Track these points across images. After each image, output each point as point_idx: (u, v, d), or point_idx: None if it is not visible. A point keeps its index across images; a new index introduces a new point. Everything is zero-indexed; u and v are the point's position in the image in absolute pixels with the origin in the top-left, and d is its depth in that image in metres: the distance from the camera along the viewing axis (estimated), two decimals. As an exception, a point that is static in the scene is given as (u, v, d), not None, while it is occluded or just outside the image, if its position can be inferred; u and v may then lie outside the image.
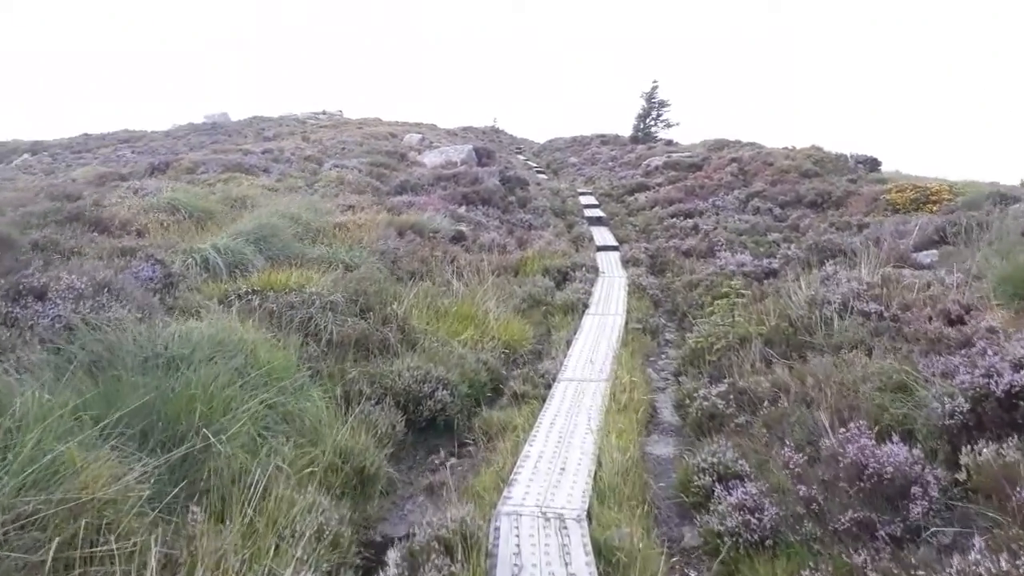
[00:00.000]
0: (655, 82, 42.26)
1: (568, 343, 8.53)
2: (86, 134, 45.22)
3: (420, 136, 30.38)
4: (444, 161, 22.82)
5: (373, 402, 5.85)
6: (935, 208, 14.05)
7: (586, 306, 10.31)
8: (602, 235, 16.96)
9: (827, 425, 4.83)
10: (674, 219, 17.04)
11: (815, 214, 16.21)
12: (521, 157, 41.09)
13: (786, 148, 24.14)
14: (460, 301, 9.12)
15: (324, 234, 10.77)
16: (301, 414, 5.21)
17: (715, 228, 15.22)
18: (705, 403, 5.94)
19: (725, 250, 13.01)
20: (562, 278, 12.28)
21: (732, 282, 9.85)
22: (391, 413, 5.78)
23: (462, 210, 15.95)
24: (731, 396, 6.01)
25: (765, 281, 10.75)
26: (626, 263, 13.66)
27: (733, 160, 21.83)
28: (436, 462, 5.88)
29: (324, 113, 54.92)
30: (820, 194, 17.02)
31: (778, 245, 13.44)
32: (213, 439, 4.02)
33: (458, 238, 12.35)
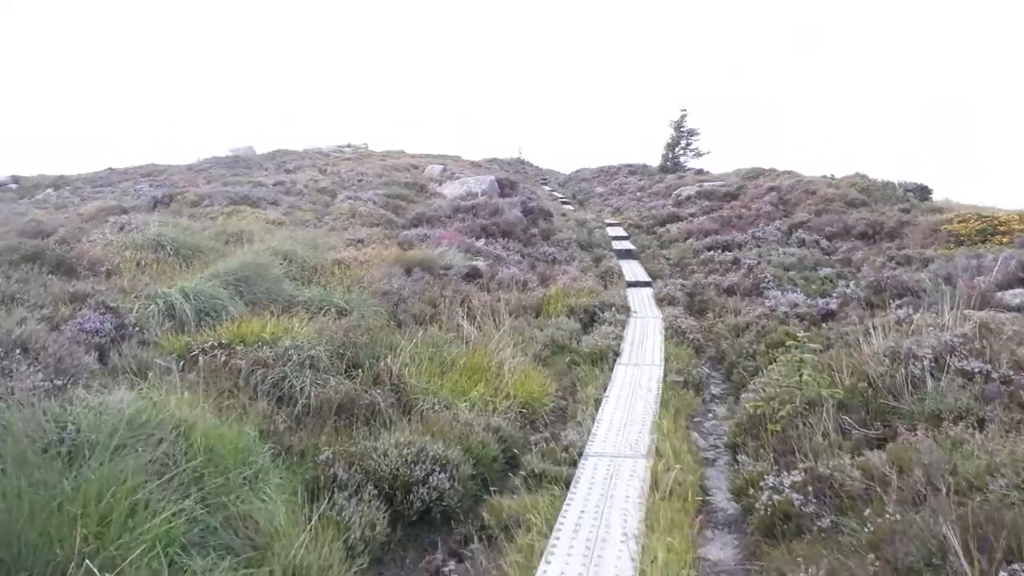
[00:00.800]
0: (684, 110, 41.16)
1: (597, 402, 7.21)
2: (111, 168, 45.26)
3: (442, 167, 29.48)
4: (464, 192, 21.78)
5: (348, 493, 4.59)
6: (1005, 240, 12.55)
7: (617, 354, 8.99)
8: (632, 269, 15.65)
9: (958, 549, 3.46)
10: (711, 252, 15.68)
11: (867, 246, 14.75)
12: (546, 188, 40.09)
13: (825, 176, 22.71)
14: (471, 350, 7.88)
15: (321, 273, 9.65)
16: (249, 516, 3.98)
17: (758, 262, 13.84)
18: (776, 497, 4.58)
19: (773, 288, 11.63)
20: (589, 319, 11.00)
21: (797, 332, 8.49)
22: (371, 508, 4.51)
23: (480, 243, 14.78)
24: (809, 487, 4.64)
25: (823, 325, 9.37)
26: (660, 301, 12.32)
27: (772, 189, 20.46)
28: (429, 568, 4.59)
29: (349, 146, 54.67)
30: (871, 225, 15.57)
31: (832, 282, 12.01)
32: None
33: (473, 275, 11.15)
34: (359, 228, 14.47)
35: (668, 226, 20.52)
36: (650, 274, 15.00)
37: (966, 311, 8.20)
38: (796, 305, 10.18)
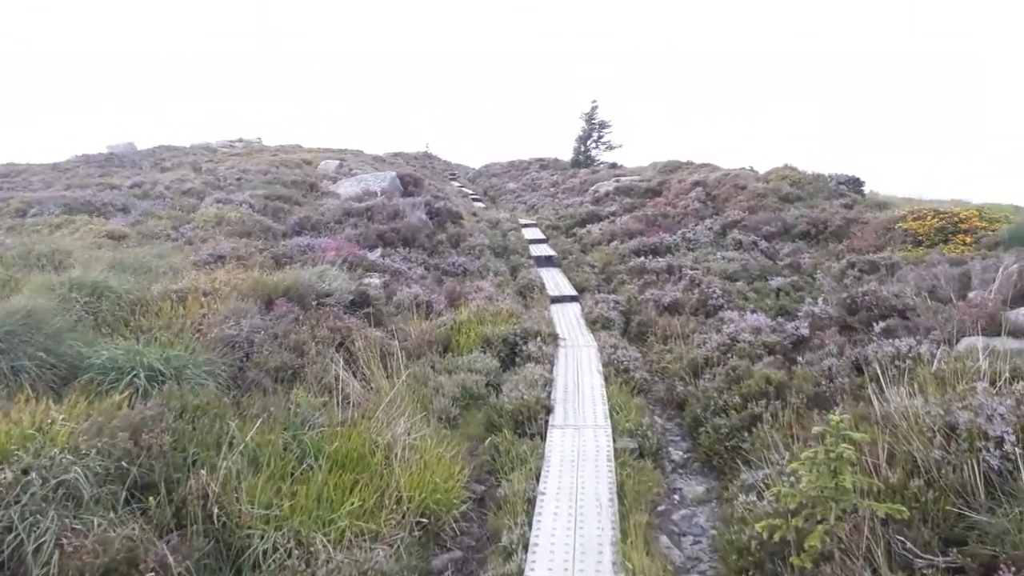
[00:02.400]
0: (594, 102, 39.64)
1: (529, 503, 5.04)
2: (-44, 168, 39.78)
3: (338, 163, 26.66)
4: (361, 191, 19.18)
5: None
6: (968, 240, 11.24)
7: (549, 410, 6.85)
8: (555, 281, 13.60)
9: None
10: (640, 258, 13.82)
11: (812, 248, 13.28)
12: (456, 184, 37.77)
13: (746, 169, 21.43)
14: (346, 429, 5.55)
15: (144, 312, 7.04)
16: None
17: (696, 270, 12.07)
18: None
19: (724, 305, 9.81)
20: (510, 353, 8.86)
21: (773, 373, 6.59)
22: None
23: (376, 255, 12.36)
24: None
25: (798, 357, 7.55)
26: (592, 324, 10.29)
27: (697, 184, 18.91)
28: None
29: (240, 141, 50.68)
30: (812, 223, 14.13)
31: (788, 295, 10.32)
32: None
33: (361, 303, 8.74)
34: (222, 240, 11.76)
35: (588, 227, 18.62)
36: (575, 286, 12.99)
37: (982, 341, 6.58)
38: (759, 330, 8.34)
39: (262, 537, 4.05)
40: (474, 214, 22.88)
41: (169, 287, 7.63)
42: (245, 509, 4.12)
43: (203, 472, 4.20)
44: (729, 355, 7.74)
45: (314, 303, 8.04)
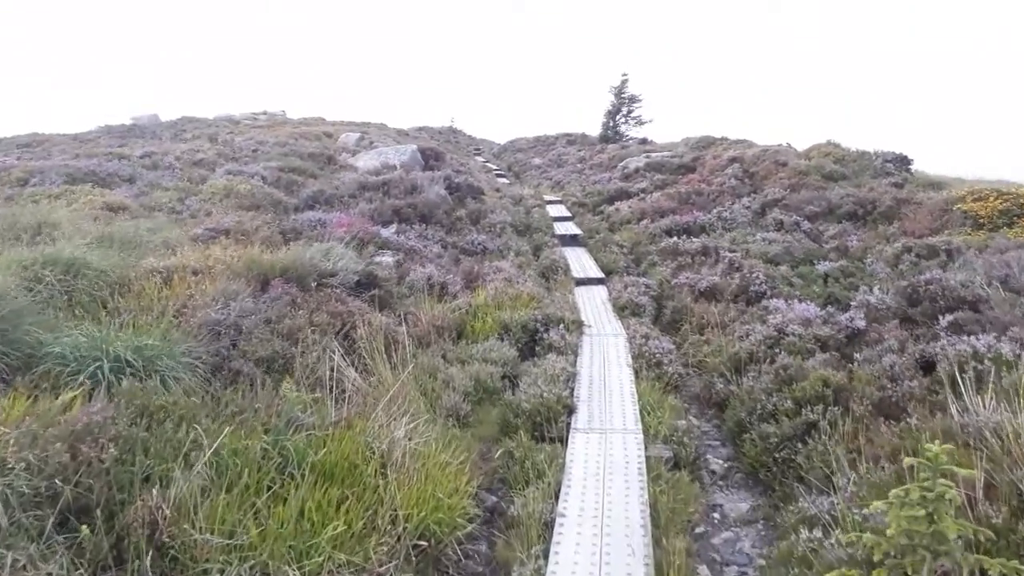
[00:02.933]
0: (624, 75, 38.47)
1: (546, 528, 4.30)
2: (-15, 137, 39.84)
3: (359, 135, 25.92)
4: (380, 164, 18.44)
5: None
6: (1038, 223, 10.19)
7: (571, 410, 6.08)
8: (581, 261, 12.77)
9: None
10: (673, 238, 12.92)
11: (860, 230, 12.26)
12: (480, 159, 36.92)
13: (783, 146, 20.23)
14: (340, 431, 4.83)
15: (126, 292, 6.38)
16: None
17: (734, 252, 11.15)
18: None
19: (768, 291, 8.93)
20: (530, 340, 8.09)
21: (832, 375, 5.73)
22: None
23: (390, 231, 11.61)
24: None
25: (855, 354, 6.67)
26: (621, 310, 9.46)
27: (734, 160, 17.85)
28: None
29: (265, 113, 50.31)
30: (860, 203, 13.08)
31: (838, 281, 9.39)
32: None
33: (368, 284, 8.00)
34: (228, 213, 11.09)
35: (617, 204, 17.69)
36: (602, 267, 12.14)
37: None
38: (809, 322, 7.46)
39: (221, 573, 3.35)
40: (497, 190, 22.04)
41: (155, 265, 6.96)
42: (202, 538, 3.42)
43: (155, 491, 3.50)
44: (777, 350, 6.87)
45: (315, 284, 7.31)
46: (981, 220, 10.68)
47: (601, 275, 11.57)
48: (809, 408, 5.46)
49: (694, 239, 12.52)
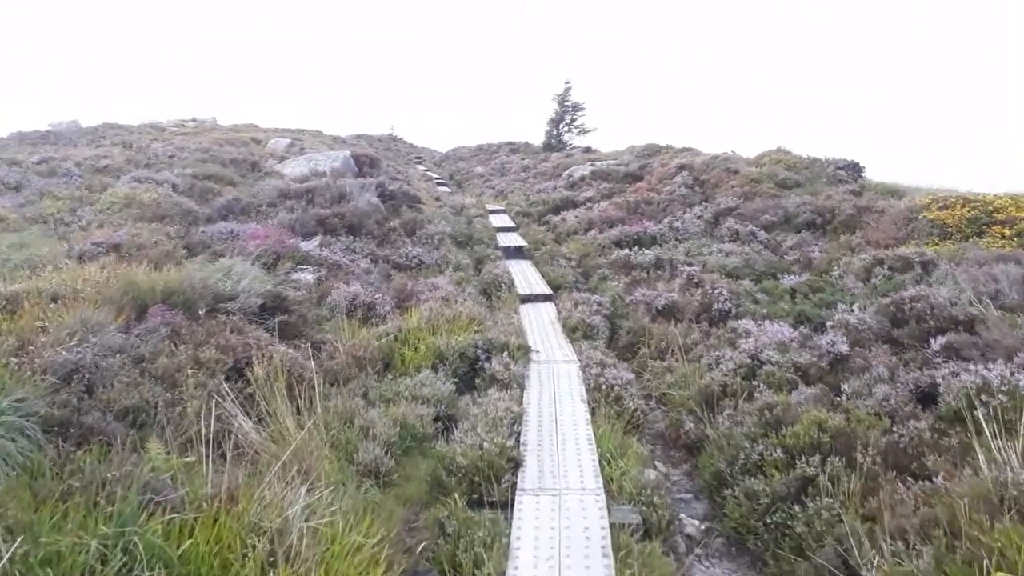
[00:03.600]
0: (568, 83, 37.81)
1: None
2: None
3: (289, 141, 24.43)
4: (309, 171, 17.10)
5: None
6: (1005, 231, 9.64)
7: (517, 464, 4.99)
8: (526, 275, 11.73)
9: None
10: (624, 249, 12.01)
11: (819, 240, 11.59)
12: (420, 167, 35.64)
13: (728, 153, 19.67)
14: (212, 510, 3.64)
15: (-51, 325, 5.03)
16: None
17: (691, 265, 10.31)
18: None
19: (734, 312, 8.04)
20: (469, 371, 6.99)
21: (828, 417, 4.80)
22: None
23: (312, 244, 10.37)
24: None
25: (842, 385, 5.80)
26: (571, 331, 8.42)
27: (683, 168, 17.14)
28: None
29: (194, 120, 48.00)
30: (818, 211, 12.44)
31: (807, 297, 8.59)
32: None
33: (275, 308, 6.75)
34: (124, 226, 9.68)
35: (563, 214, 16.75)
36: (550, 282, 11.11)
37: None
38: (784, 345, 6.58)
39: None
40: (437, 199, 20.90)
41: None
42: None
43: None
44: (754, 382, 5.94)
45: (206, 311, 6.05)
46: (949, 229, 10.09)
47: (549, 291, 10.55)
48: (804, 459, 4.50)
49: (646, 251, 11.63)
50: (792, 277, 9.37)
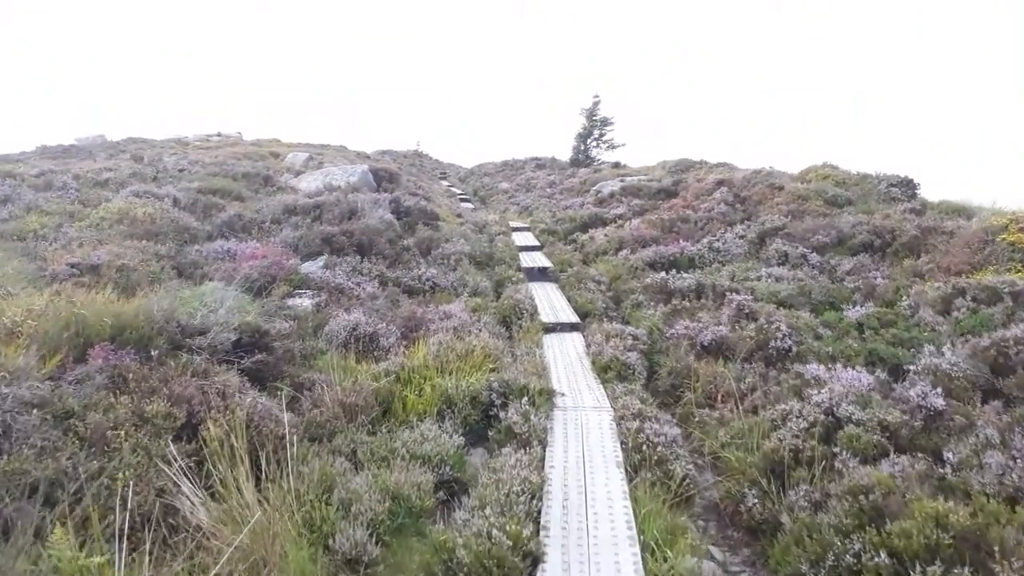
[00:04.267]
0: (596, 97, 36.91)
1: None
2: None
3: (307, 156, 23.69)
4: (324, 186, 16.22)
5: None
6: (1104, 258, 8.34)
7: (536, 560, 3.87)
8: (550, 300, 10.63)
9: None
10: (661, 273, 10.87)
11: (879, 264, 10.35)
12: (444, 183, 34.85)
13: (766, 168, 18.40)
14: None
15: None
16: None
17: (737, 292, 9.14)
18: None
19: (795, 350, 6.85)
20: (481, 420, 5.91)
21: (946, 507, 3.64)
22: None
23: (316, 265, 9.41)
24: None
25: (939, 449, 4.60)
26: (602, 370, 7.28)
27: (721, 183, 15.96)
28: None
29: (219, 135, 47.97)
30: (876, 232, 11.20)
31: (877, 333, 7.37)
32: None
33: (252, 345, 5.72)
34: (108, 244, 8.79)
35: (591, 232, 15.65)
36: (577, 309, 10.00)
37: None
38: (864, 397, 5.39)
39: None
40: (458, 215, 19.93)
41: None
42: None
43: None
44: (833, 445, 4.77)
45: (165, 349, 5.03)
46: (1033, 254, 8.81)
47: (576, 319, 9.43)
48: (919, 568, 3.33)
49: (685, 274, 10.47)
50: (856, 309, 8.15)
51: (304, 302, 8.16)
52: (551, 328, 9.11)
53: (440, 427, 5.51)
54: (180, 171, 17.50)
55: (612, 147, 36.11)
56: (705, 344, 7.31)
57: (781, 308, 8.37)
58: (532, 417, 5.61)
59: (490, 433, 5.73)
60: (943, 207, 12.02)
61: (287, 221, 11.20)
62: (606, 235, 14.79)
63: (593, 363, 7.47)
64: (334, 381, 5.77)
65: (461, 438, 5.45)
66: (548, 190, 27.10)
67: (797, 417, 5.16)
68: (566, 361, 7.72)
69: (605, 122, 36.49)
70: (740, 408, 5.91)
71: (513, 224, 18.22)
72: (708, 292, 9.59)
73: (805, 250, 11.28)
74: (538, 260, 13.34)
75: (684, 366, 6.89)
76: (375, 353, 7.26)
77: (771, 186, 14.76)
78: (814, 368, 6.03)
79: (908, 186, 15.24)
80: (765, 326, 7.10)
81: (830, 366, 5.98)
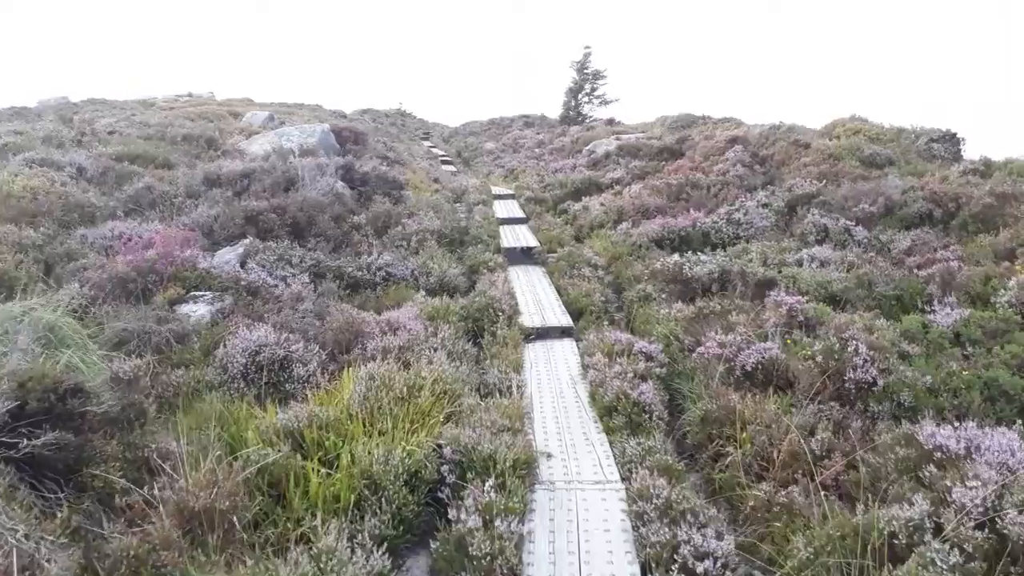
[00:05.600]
0: (588, 48, 34.43)
1: None
2: None
3: (267, 115, 21.24)
4: (274, 149, 13.91)
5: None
6: None
7: None
8: (536, 293, 8.52)
9: None
10: (670, 253, 8.78)
11: (943, 240, 8.29)
12: (427, 143, 32.41)
13: (778, 124, 16.11)
14: None
15: None
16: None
17: (770, 280, 7.08)
18: None
19: (878, 378, 4.77)
20: (420, 513, 3.84)
21: None
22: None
23: (232, 253, 7.25)
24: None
25: None
26: (607, 410, 5.15)
27: (735, 140, 13.74)
28: None
29: (189, 95, 45.21)
30: (934, 200, 9.11)
31: (991, 353, 5.29)
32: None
33: (48, 413, 3.62)
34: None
35: (585, 200, 13.46)
36: (569, 304, 7.89)
37: None
38: (993, 461, 3.34)
39: None
40: (436, 180, 17.67)
41: None
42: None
43: None
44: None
45: None
46: None
47: (567, 322, 7.32)
48: None
49: (702, 256, 8.35)
50: (944, 310, 6.06)
51: (199, 310, 6.02)
52: (536, 334, 7.01)
53: (354, 540, 3.46)
54: (110, 133, 15.13)
55: (605, 102, 33.70)
56: (748, 369, 5.22)
57: (833, 306, 6.31)
58: (499, 523, 3.53)
59: (435, 540, 3.67)
60: (1015, 167, 9.88)
61: (206, 195, 8.98)
62: (602, 204, 12.63)
63: (592, 398, 5.38)
64: (183, 464, 3.65)
65: (387, 561, 3.39)
66: (537, 150, 24.80)
67: (934, 537, 3.09)
68: (555, 391, 5.64)
69: (597, 75, 33.99)
70: (818, 487, 3.85)
71: (496, 190, 15.97)
72: (736, 281, 7.50)
73: (847, 223, 9.17)
74: (522, 237, 11.16)
75: (723, 407, 4.80)
76: (288, 386, 5.18)
77: (794, 143, 12.56)
78: (929, 427, 3.94)
79: (951, 141, 13.10)
80: (836, 346, 5.00)
81: (956, 424, 3.90)
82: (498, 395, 5.22)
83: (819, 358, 4.97)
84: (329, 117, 29.51)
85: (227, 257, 7.42)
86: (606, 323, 7.12)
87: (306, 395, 4.98)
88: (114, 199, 9.26)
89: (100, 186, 10.03)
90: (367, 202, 10.24)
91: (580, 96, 33.92)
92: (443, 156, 27.61)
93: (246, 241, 7.77)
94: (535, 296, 8.25)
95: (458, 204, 13.81)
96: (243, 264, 7.38)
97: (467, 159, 28.40)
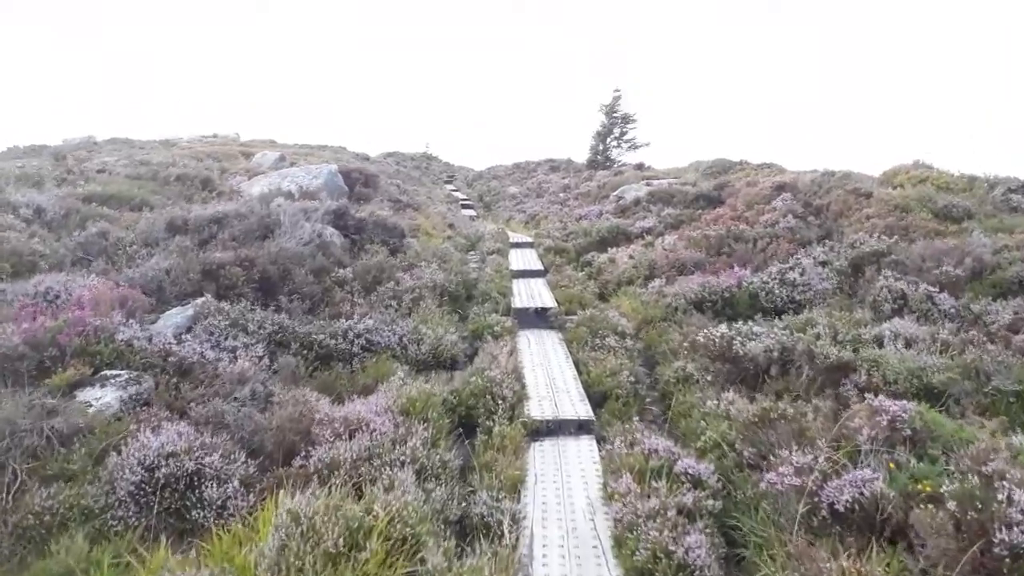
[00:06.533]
0: (617, 92, 33.06)
1: None
2: None
3: (278, 155, 20.25)
4: (274, 191, 12.75)
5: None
6: None
7: None
8: (548, 368, 7.01)
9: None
10: (715, 320, 7.25)
11: (1058, 314, 6.65)
12: (449, 187, 31.37)
13: (818, 171, 14.55)
14: None
15: None
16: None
17: (848, 363, 5.53)
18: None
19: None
20: None
21: None
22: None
23: (181, 316, 5.89)
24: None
25: None
26: (640, 575, 3.62)
27: (782, 188, 12.23)
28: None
29: (215, 136, 45.15)
30: (1038, 262, 7.50)
31: None
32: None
33: None
34: None
35: (611, 251, 12.00)
36: (588, 386, 6.37)
37: None
38: None
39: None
40: (450, 226, 16.36)
41: None
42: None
43: None
44: None
45: None
46: None
47: (586, 413, 5.79)
48: None
49: (755, 327, 6.81)
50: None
51: (106, 397, 4.62)
52: (546, 430, 5.49)
53: None
54: (99, 172, 14.12)
55: (635, 147, 32.36)
56: (840, 510, 3.65)
57: (927, 403, 4.74)
58: None
59: None
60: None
61: (166, 243, 7.69)
62: (631, 256, 11.16)
63: (618, 545, 3.82)
64: None
65: None
66: (561, 195, 23.46)
67: None
68: (565, 527, 4.10)
69: (627, 119, 32.74)
70: None
71: (514, 238, 14.60)
72: (801, 363, 5.94)
73: (928, 287, 7.58)
74: (537, 295, 9.68)
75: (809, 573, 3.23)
76: (195, 513, 3.74)
77: (853, 192, 11.01)
78: None
79: (1029, 190, 11.47)
80: (977, 489, 3.42)
81: None
82: (482, 538, 3.70)
83: (951, 504, 3.38)
84: (352, 159, 28.58)
85: (173, 321, 6.07)
86: (635, 415, 5.58)
87: (218, 529, 3.53)
88: (64, 246, 8.03)
89: (59, 230, 8.85)
90: (356, 252, 8.91)
91: (608, 140, 32.69)
92: (464, 200, 26.48)
93: (199, 301, 6.42)
94: (548, 374, 6.74)
95: (471, 253, 12.48)
96: (190, 330, 6.02)
97: (488, 203, 27.23)
